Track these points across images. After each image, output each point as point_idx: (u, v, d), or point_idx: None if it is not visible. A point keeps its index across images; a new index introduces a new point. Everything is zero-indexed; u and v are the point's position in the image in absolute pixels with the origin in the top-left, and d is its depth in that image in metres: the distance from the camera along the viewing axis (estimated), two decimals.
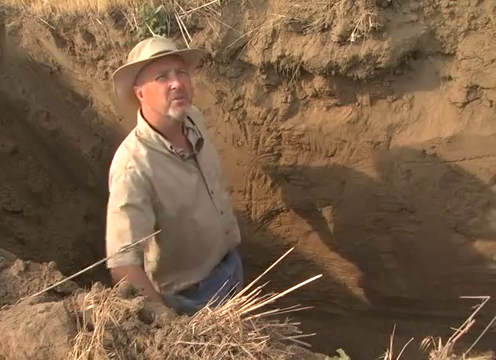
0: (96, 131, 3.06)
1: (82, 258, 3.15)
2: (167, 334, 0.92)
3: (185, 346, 0.88)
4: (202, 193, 1.80)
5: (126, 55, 2.51)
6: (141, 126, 1.71)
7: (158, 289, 1.85)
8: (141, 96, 1.69)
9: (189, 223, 1.75)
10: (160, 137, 1.68)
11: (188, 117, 1.82)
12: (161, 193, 1.66)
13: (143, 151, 1.65)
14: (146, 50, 1.64)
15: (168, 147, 1.69)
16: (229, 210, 1.98)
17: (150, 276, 1.86)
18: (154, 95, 1.63)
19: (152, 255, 1.82)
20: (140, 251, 1.59)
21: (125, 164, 1.61)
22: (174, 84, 1.60)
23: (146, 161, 1.63)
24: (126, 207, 1.56)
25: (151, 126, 1.69)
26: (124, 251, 1.51)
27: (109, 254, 1.56)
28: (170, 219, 1.69)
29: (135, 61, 1.64)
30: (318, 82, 2.16)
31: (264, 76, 2.27)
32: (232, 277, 1.94)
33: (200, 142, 1.81)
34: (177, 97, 1.61)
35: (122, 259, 1.51)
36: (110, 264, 1.54)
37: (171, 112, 1.63)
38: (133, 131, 1.74)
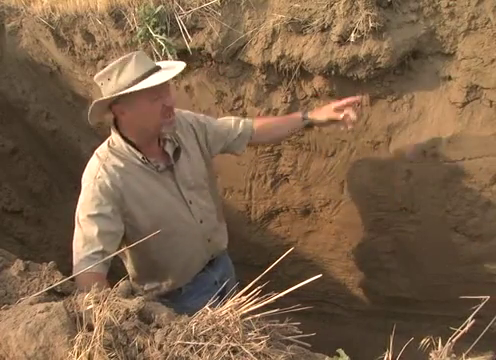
0: (96, 131, 3.06)
1: None
2: (167, 334, 0.92)
3: (185, 346, 0.89)
4: (179, 204, 1.77)
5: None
6: (113, 136, 1.69)
7: None
8: (122, 113, 1.62)
9: (165, 233, 1.68)
10: (131, 148, 1.66)
11: None
12: (132, 203, 1.64)
13: (114, 161, 1.64)
14: (130, 71, 1.53)
15: (140, 158, 1.66)
16: (211, 217, 1.91)
17: (130, 279, 1.86)
18: (147, 115, 1.60)
19: (130, 262, 1.82)
20: (107, 262, 1.53)
21: (95, 174, 1.60)
22: (168, 102, 1.59)
23: (116, 171, 1.62)
24: (95, 216, 1.56)
25: (123, 137, 1.66)
26: (90, 259, 1.49)
27: (75, 261, 1.54)
28: (144, 229, 1.65)
29: (129, 90, 1.51)
30: (318, 82, 2.16)
31: (264, 76, 2.27)
32: (219, 282, 1.91)
33: (177, 152, 1.77)
34: (170, 114, 1.61)
35: (88, 266, 1.44)
36: (77, 271, 1.48)
37: (164, 130, 1.65)
38: (106, 140, 1.72)
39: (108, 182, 1.59)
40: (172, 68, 1.66)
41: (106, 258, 1.45)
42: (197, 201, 1.83)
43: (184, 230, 1.78)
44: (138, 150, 1.66)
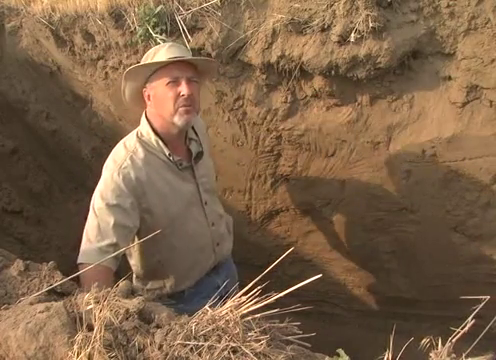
0: (96, 131, 3.06)
1: None
2: (167, 334, 0.92)
3: (185, 346, 0.88)
4: (195, 203, 1.79)
5: (126, 55, 2.52)
6: (143, 128, 1.70)
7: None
8: (149, 99, 1.67)
9: (178, 232, 1.73)
10: (160, 142, 1.67)
11: (193, 128, 1.81)
12: (152, 198, 1.64)
13: (141, 153, 1.64)
14: (161, 54, 1.63)
15: (166, 154, 1.68)
16: (220, 223, 1.94)
17: (134, 277, 1.86)
18: (162, 99, 1.62)
19: (136, 260, 1.81)
20: (118, 256, 1.53)
21: (121, 163, 1.60)
22: (184, 91, 1.58)
23: (142, 164, 1.62)
24: (113, 207, 1.54)
25: (153, 130, 1.68)
26: (102, 251, 1.48)
27: (84, 249, 1.52)
28: (159, 226, 1.62)
29: (149, 61, 1.64)
30: (318, 82, 2.16)
31: (264, 76, 2.27)
32: (221, 287, 1.91)
33: (199, 155, 1.80)
34: (185, 104, 1.60)
35: (99, 258, 1.43)
36: (84, 259, 1.49)
37: (176, 119, 1.62)
38: (134, 131, 1.73)
39: (133, 174, 1.59)
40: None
41: (117, 252, 1.43)
42: (211, 204, 1.85)
43: (196, 230, 1.79)
44: (166, 146, 1.68)
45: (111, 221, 1.52)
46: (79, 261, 1.51)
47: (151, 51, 1.68)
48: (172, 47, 1.67)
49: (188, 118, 1.63)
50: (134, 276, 1.86)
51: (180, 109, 1.60)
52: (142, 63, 1.67)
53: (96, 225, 1.54)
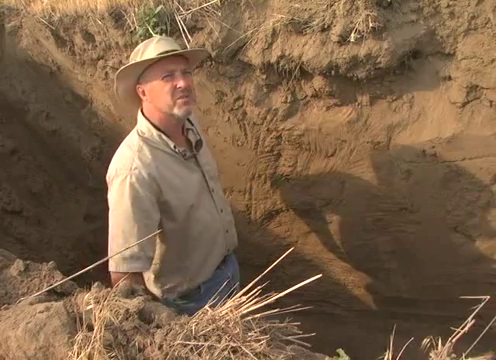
0: (96, 131, 3.06)
1: (82, 258, 3.15)
2: (167, 334, 0.92)
3: (185, 346, 0.89)
4: (204, 191, 1.82)
5: (126, 55, 2.52)
6: (142, 125, 1.71)
7: (160, 292, 1.85)
8: (144, 95, 1.68)
9: (193, 221, 1.76)
10: (163, 136, 1.69)
11: (188, 118, 1.83)
12: (167, 192, 1.66)
13: (147, 151, 1.65)
14: (151, 49, 1.64)
15: (171, 146, 1.70)
16: (228, 209, 2.00)
17: (152, 278, 1.86)
18: (159, 94, 1.63)
19: (156, 257, 1.80)
20: (149, 257, 1.60)
21: (130, 165, 1.60)
22: (180, 84, 1.60)
23: (151, 161, 1.63)
24: (133, 211, 1.56)
25: (153, 125, 1.69)
26: (132, 258, 1.53)
27: (115, 259, 1.55)
28: (176, 218, 1.70)
29: (141, 59, 1.64)
30: (318, 82, 2.16)
31: (264, 76, 2.27)
32: (231, 279, 1.94)
33: (199, 143, 1.83)
34: (182, 96, 1.62)
35: (130, 266, 1.52)
36: (116, 269, 1.54)
37: (176, 111, 1.64)
38: (134, 130, 1.73)
39: (145, 173, 1.60)
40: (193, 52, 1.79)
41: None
42: (217, 191, 1.90)
43: (208, 218, 1.82)
44: (169, 138, 1.70)
45: (134, 226, 1.55)
46: (111, 269, 1.55)
47: (140, 47, 1.68)
48: (161, 41, 1.67)
49: (187, 108, 1.66)
50: (152, 277, 1.86)
51: (178, 101, 1.63)
52: (134, 61, 1.66)
53: (121, 232, 1.57)
